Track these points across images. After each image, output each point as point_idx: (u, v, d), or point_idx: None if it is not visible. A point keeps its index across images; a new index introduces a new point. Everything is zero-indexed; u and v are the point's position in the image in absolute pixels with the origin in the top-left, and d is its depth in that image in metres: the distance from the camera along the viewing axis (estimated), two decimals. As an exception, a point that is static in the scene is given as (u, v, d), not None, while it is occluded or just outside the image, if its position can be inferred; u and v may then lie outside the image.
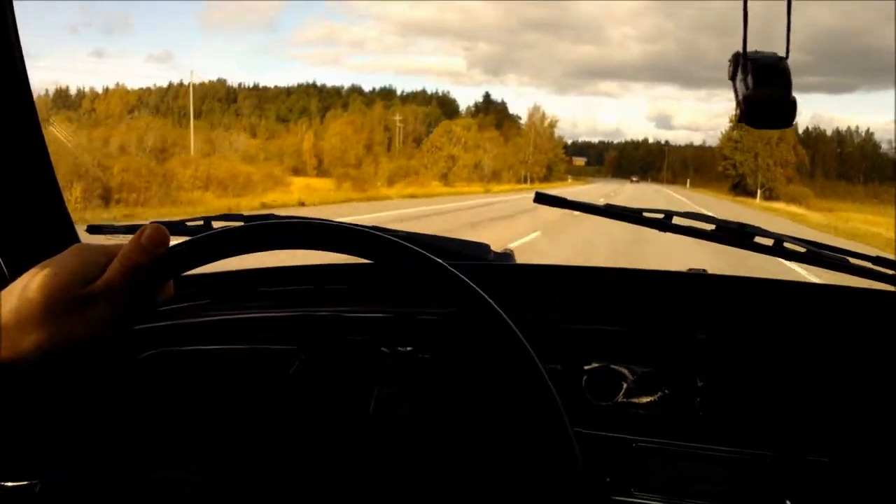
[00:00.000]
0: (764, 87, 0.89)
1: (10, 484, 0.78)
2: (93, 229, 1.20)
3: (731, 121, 61.48)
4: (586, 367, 1.01)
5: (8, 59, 1.05)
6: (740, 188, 67.42)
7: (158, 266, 0.64)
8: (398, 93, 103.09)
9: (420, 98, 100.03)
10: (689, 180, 79.59)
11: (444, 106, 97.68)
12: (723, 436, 0.95)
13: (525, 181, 72.79)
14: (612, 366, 1.01)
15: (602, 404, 1.00)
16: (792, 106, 0.89)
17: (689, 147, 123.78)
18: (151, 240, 0.64)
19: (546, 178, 78.09)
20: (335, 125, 72.03)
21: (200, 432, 1.03)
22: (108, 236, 1.18)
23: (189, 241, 0.66)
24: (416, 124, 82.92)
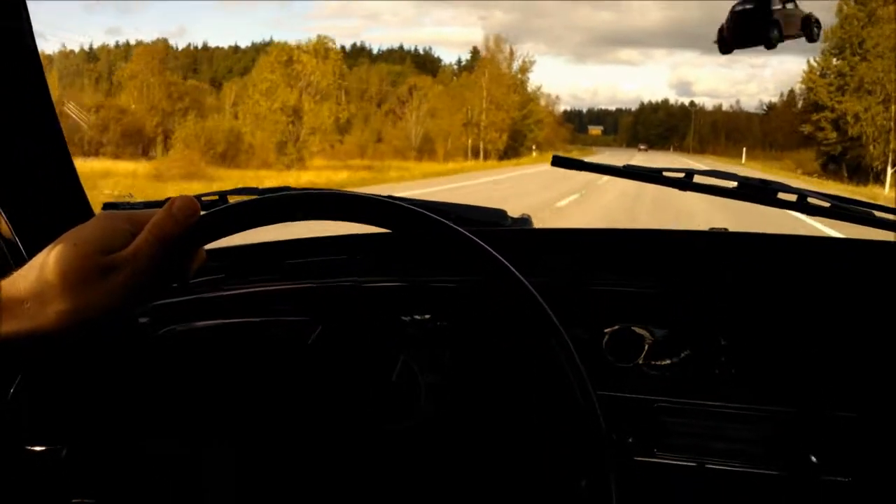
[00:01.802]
0: (741, 5, 0.90)
1: (37, 448, 0.79)
2: (108, 206, 1.19)
3: (823, 53, 36.96)
4: (607, 330, 1.00)
5: (18, 37, 1.04)
6: (844, 164, 35.83)
7: (189, 236, 0.64)
8: (374, 51, 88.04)
9: (395, 56, 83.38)
10: (744, 150, 54.06)
11: (424, 65, 78.16)
12: (746, 394, 0.94)
13: (477, 156, 49.60)
14: (634, 327, 1.00)
15: (623, 366, 0.99)
16: (764, 20, 0.89)
17: (718, 111, 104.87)
18: (183, 210, 0.63)
19: (506, 154, 50.89)
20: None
21: (220, 405, 1.04)
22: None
23: (221, 209, 0.66)
24: (381, 86, 64.04)
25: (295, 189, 1.18)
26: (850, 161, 35.09)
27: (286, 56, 35.95)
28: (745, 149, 55.07)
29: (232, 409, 1.04)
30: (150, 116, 36.96)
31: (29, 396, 0.76)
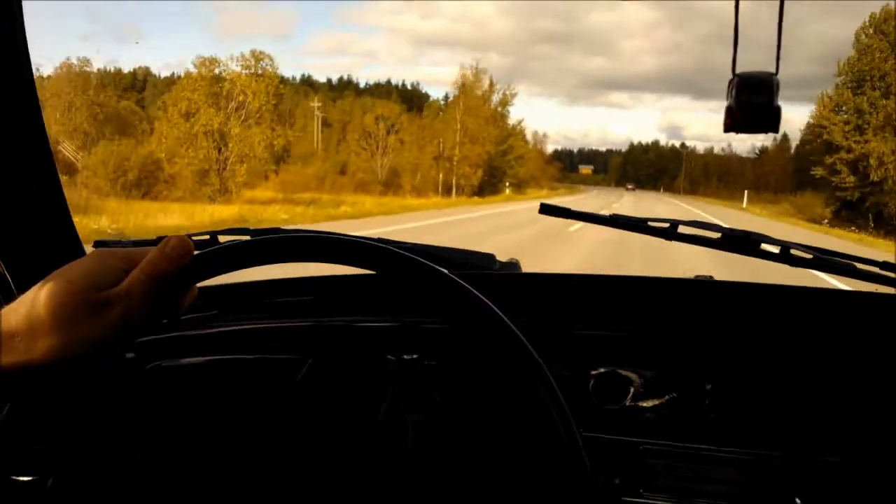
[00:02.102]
0: (747, 94, 0.93)
1: (23, 479, 0.78)
2: (99, 244, 1.20)
3: (838, 84, 33.54)
4: (593, 372, 1.01)
5: (16, 71, 1.05)
6: (863, 211, 30.76)
7: (182, 274, 0.65)
8: (361, 85, 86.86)
9: (382, 90, 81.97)
10: (746, 193, 50.08)
11: (411, 100, 75.57)
12: (732, 438, 0.95)
13: (449, 192, 44.93)
14: (620, 370, 1.01)
15: (609, 408, 1.00)
16: (775, 111, 0.93)
17: (709, 154, 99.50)
18: (177, 250, 0.65)
19: (481, 191, 46.78)
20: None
21: (207, 442, 1.03)
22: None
23: (214, 249, 0.67)
24: (362, 118, 57.33)
25: (286, 230, 1.19)
26: (869, 208, 30.67)
27: (212, 72, 30.43)
28: (746, 192, 51.00)
29: (218, 444, 1.04)
30: (72, 139, 31.42)
31: (16, 427, 0.76)
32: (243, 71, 30.71)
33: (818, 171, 34.46)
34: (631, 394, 1.00)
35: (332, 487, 1.02)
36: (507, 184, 52.20)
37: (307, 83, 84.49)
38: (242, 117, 30.15)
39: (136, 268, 0.64)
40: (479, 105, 50.27)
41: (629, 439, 0.98)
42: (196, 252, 0.66)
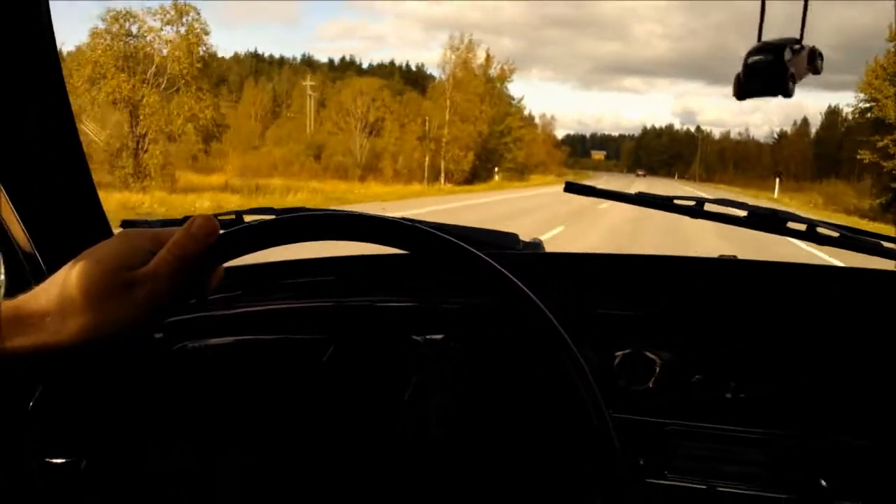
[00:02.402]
0: (754, 57, 0.93)
1: (56, 461, 0.79)
2: (126, 224, 1.21)
3: (890, 49, 26.87)
4: (618, 353, 1.01)
5: (42, 54, 1.06)
6: None
7: (208, 254, 0.65)
8: (364, 66, 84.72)
9: (385, 71, 78.95)
10: (778, 182, 44.62)
11: (415, 81, 70.50)
12: (756, 418, 0.95)
13: (437, 178, 40.15)
14: (644, 351, 1.01)
15: (634, 389, 1.00)
16: (783, 73, 0.92)
17: (726, 139, 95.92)
18: (203, 230, 0.65)
19: (474, 178, 41.62)
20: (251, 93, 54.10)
21: (232, 421, 1.05)
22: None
23: (239, 228, 0.67)
24: (356, 99, 50.95)
25: (312, 209, 1.20)
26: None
27: (125, 28, 23.91)
28: (777, 180, 46.91)
29: (244, 425, 1.05)
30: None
31: (49, 409, 0.77)
32: (165, 28, 24.67)
33: (865, 155, 28.93)
34: (656, 374, 1.00)
35: (358, 469, 1.03)
36: (497, 169, 46.73)
37: (307, 63, 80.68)
38: (162, 84, 24.32)
39: (163, 248, 0.65)
40: (471, 79, 44.50)
41: (654, 420, 0.98)
42: (222, 231, 0.67)
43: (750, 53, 0.99)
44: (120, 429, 0.88)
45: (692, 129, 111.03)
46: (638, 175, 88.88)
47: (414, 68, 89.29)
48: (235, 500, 1.05)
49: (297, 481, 1.05)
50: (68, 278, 0.63)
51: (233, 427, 1.05)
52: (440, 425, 1.03)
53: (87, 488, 0.80)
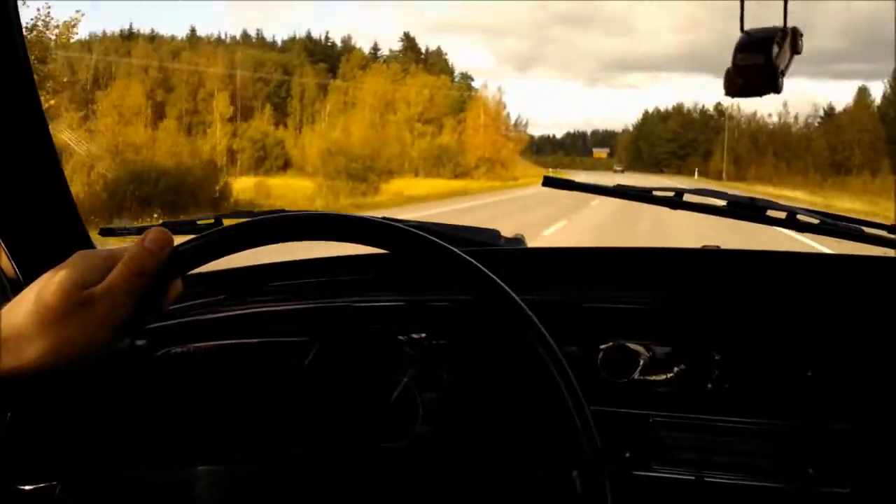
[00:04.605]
0: (743, 55, 0.92)
1: (28, 487, 0.78)
2: (105, 232, 1.20)
3: None
4: (602, 346, 1.01)
5: (13, 63, 1.05)
6: None
7: (164, 267, 0.65)
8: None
9: (284, 46, 61.67)
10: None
11: (327, 56, 59.54)
12: (742, 408, 0.95)
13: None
14: (628, 343, 1.00)
15: (619, 381, 0.99)
16: (772, 72, 0.91)
17: (758, 122, 65.64)
18: (155, 243, 0.65)
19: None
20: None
21: (219, 428, 1.04)
22: (122, 238, 1.19)
23: (192, 240, 0.67)
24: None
25: (290, 211, 1.20)
26: None
27: None
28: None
29: (229, 429, 1.04)
30: None
31: (19, 435, 0.76)
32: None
33: None
34: (640, 366, 0.99)
35: (344, 469, 1.03)
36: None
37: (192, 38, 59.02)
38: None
39: (119, 263, 0.65)
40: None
41: (639, 412, 0.98)
42: (175, 245, 0.67)
43: (738, 49, 0.98)
44: (97, 446, 0.87)
45: (709, 108, 77.59)
46: (615, 171, 70.61)
47: (328, 41, 66.23)
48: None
49: (283, 484, 1.04)
50: (24, 303, 0.63)
51: (217, 432, 1.04)
52: (426, 424, 1.03)
53: None
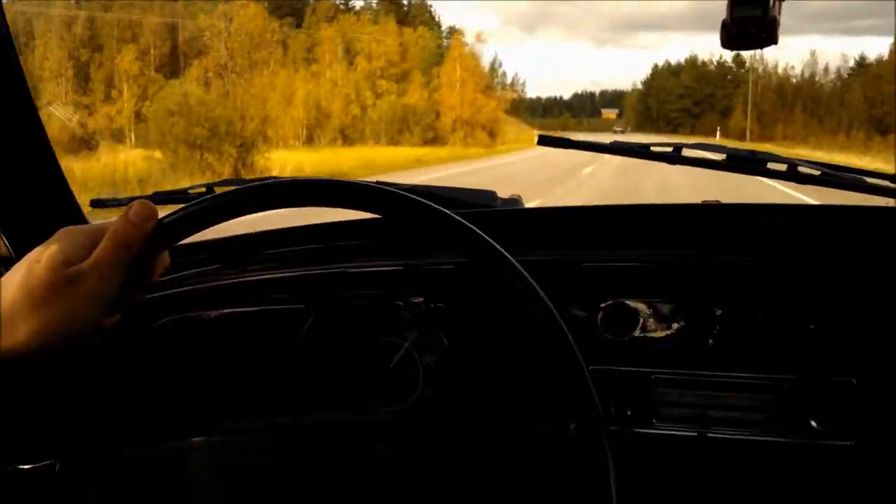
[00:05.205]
0: (741, 6, 0.91)
1: (27, 466, 0.78)
2: (96, 203, 1.19)
3: None
4: (602, 305, 1.01)
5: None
6: None
7: (149, 240, 0.64)
8: None
9: None
10: None
11: (295, 11, 50.87)
12: (743, 363, 0.95)
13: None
14: (627, 301, 1.00)
15: (619, 340, 0.99)
16: (770, 23, 0.90)
17: (781, 74, 60.04)
18: (139, 215, 0.64)
19: None
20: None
21: (218, 397, 1.04)
22: (113, 209, 1.18)
23: (176, 212, 0.66)
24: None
25: (280, 179, 1.18)
26: None
27: None
28: None
29: (229, 398, 1.05)
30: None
31: (15, 415, 0.76)
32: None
33: None
34: (640, 324, 0.99)
35: (344, 435, 1.03)
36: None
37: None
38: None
39: (103, 238, 0.64)
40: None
41: (640, 370, 0.97)
42: (161, 218, 0.66)
43: (735, 3, 0.97)
44: (97, 423, 0.87)
45: (727, 59, 69.22)
46: (615, 132, 61.15)
47: None
48: (223, 475, 1.05)
49: (285, 452, 1.05)
50: (11, 283, 0.62)
51: (216, 402, 1.04)
52: (426, 388, 1.02)
53: (64, 491, 0.80)
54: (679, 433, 0.96)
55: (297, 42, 42.98)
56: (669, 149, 1.09)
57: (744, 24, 0.95)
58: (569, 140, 1.12)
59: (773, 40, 0.96)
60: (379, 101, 40.34)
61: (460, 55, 45.31)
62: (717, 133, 52.01)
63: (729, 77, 67.05)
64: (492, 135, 42.52)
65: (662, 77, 79.02)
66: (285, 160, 21.49)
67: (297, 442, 1.05)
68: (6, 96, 1.07)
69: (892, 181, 1.04)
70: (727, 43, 0.98)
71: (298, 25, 47.50)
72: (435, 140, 38.12)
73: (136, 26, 38.97)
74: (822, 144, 36.39)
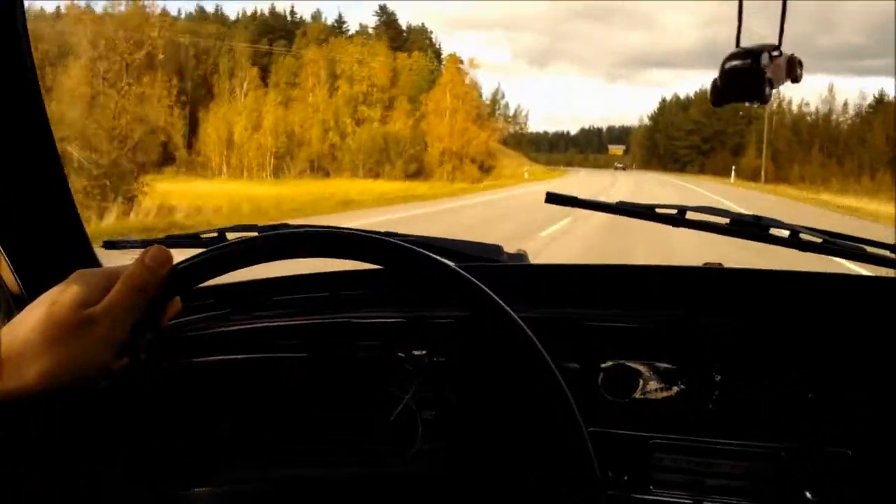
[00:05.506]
0: (731, 63, 0.94)
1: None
2: (109, 245, 1.21)
3: None
4: (602, 365, 1.01)
5: (20, 74, 1.05)
6: None
7: (163, 285, 0.66)
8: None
9: (241, 23, 55.49)
10: None
11: (287, 34, 53.12)
12: (741, 430, 0.95)
13: None
14: (628, 363, 1.00)
15: (619, 402, 0.99)
16: (759, 77, 0.93)
17: (796, 113, 56.98)
18: (155, 260, 0.66)
19: None
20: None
21: (219, 446, 1.04)
22: (124, 251, 1.19)
23: (191, 259, 0.67)
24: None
25: (294, 226, 1.20)
26: None
27: None
28: None
29: (229, 446, 1.05)
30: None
31: (12, 456, 0.76)
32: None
33: None
34: (640, 386, 0.99)
35: (342, 487, 1.03)
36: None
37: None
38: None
39: (118, 281, 0.65)
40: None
41: (639, 434, 0.97)
42: (175, 264, 0.67)
43: (727, 59, 1.00)
44: (100, 465, 0.88)
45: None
46: (616, 168, 57.80)
47: (287, 14, 60.09)
48: None
49: (282, 498, 1.05)
50: (25, 323, 0.63)
51: (217, 450, 1.05)
52: (426, 441, 1.03)
53: None
54: (675, 500, 0.96)
55: (280, 66, 41.11)
56: (674, 211, 1.10)
57: (732, 76, 0.98)
58: (576, 199, 1.14)
59: (760, 96, 0.98)
60: (359, 130, 37.72)
61: (452, 80, 42.24)
62: (733, 174, 49.00)
63: (741, 113, 63.04)
64: (483, 168, 39.33)
65: (671, 111, 76.96)
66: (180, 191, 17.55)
67: (295, 492, 1.04)
68: (26, 136, 1.09)
69: (892, 251, 1.06)
70: (717, 99, 1.01)
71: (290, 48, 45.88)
72: (419, 173, 35.56)
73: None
74: (848, 188, 33.84)
